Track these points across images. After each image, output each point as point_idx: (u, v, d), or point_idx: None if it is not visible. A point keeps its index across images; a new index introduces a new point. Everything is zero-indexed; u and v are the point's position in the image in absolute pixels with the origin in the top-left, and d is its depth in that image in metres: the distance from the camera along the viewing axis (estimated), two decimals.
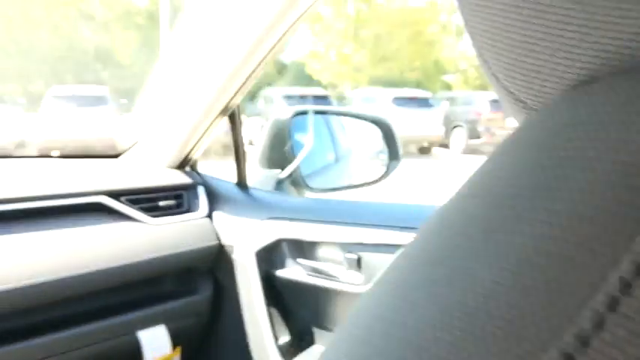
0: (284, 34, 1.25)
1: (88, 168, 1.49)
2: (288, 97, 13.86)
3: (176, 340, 1.39)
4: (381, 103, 13.40)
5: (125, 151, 1.69)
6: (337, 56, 22.11)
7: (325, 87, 20.23)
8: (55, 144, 9.84)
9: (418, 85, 20.05)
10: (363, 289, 1.21)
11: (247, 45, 1.26)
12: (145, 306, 1.34)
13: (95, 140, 9.62)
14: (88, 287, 1.21)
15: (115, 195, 1.35)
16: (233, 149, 1.52)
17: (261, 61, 1.31)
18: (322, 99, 14.66)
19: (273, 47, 1.28)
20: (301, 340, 1.38)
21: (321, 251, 1.32)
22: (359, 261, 1.22)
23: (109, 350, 1.27)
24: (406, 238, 1.22)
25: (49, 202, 1.25)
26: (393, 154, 1.65)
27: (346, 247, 1.25)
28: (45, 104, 11.45)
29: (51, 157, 1.67)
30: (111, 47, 20.76)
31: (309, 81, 20.99)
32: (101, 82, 16.86)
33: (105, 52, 20.64)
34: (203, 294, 1.46)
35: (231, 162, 1.55)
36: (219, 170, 1.66)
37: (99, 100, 11.73)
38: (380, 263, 1.21)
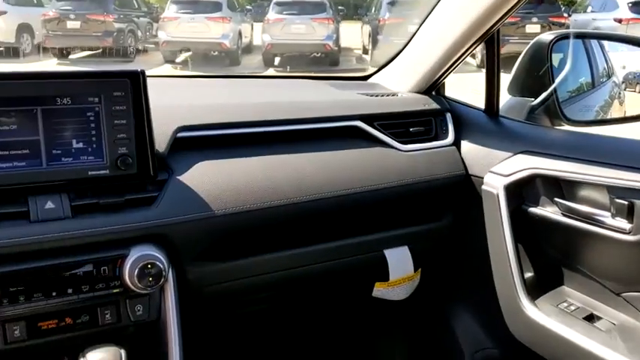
0: None
1: (341, 91, 1.55)
2: None
3: (417, 262, 1.45)
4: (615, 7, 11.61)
5: (372, 73, 1.72)
6: None
7: None
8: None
9: None
10: (632, 238, 1.11)
11: None
12: (391, 227, 1.41)
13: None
14: (342, 206, 1.30)
15: (369, 120, 1.39)
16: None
17: None
18: (551, 4, 13.23)
19: None
20: (548, 279, 1.33)
21: (582, 192, 1.22)
22: (631, 208, 1.10)
23: (359, 264, 1.37)
24: None
25: (310, 126, 1.34)
26: None
27: (615, 190, 1.14)
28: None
29: (303, 77, 1.78)
30: None
31: None
32: None
33: None
34: (446, 221, 1.48)
35: None
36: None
37: (319, 7, 12.04)
38: None
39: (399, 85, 1.60)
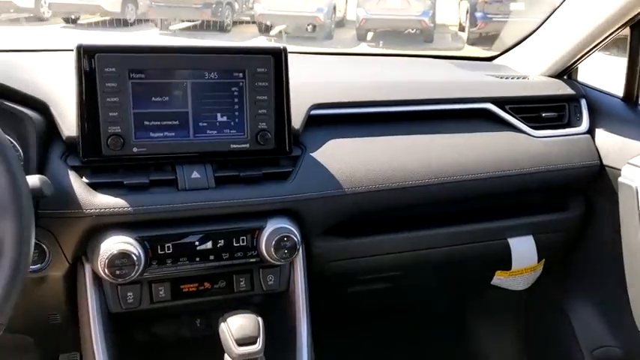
0: None
1: (468, 72, 1.51)
2: None
3: (541, 253, 1.40)
4: None
5: (497, 55, 1.67)
6: None
7: None
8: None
9: None
10: None
11: None
12: (516, 215, 1.37)
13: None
14: (470, 191, 1.27)
15: (500, 103, 1.35)
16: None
17: None
18: None
19: None
20: None
21: None
22: None
23: (480, 251, 1.35)
24: None
25: (440, 107, 1.31)
26: None
27: None
28: None
29: (425, 56, 1.74)
30: None
31: None
32: None
33: None
34: (574, 212, 1.42)
35: None
36: None
37: None
38: None
39: (529, 67, 1.54)
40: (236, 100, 1.09)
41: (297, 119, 1.16)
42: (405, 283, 1.43)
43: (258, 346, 0.97)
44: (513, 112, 1.36)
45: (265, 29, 10.62)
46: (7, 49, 1.38)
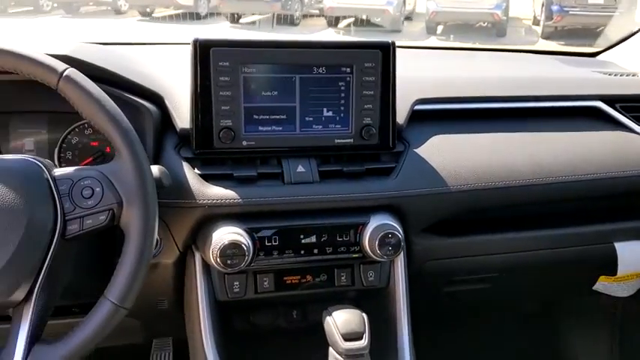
0: None
1: (574, 68, 1.45)
2: None
3: None
4: None
5: (601, 50, 1.59)
6: None
7: None
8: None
9: None
10: None
11: None
12: (625, 219, 1.31)
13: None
14: (577, 192, 1.22)
15: (610, 101, 1.29)
16: None
17: None
18: None
19: None
20: None
21: None
22: None
23: (586, 254, 1.30)
24: None
25: (547, 104, 1.27)
26: None
27: None
28: None
29: (525, 51, 1.69)
30: None
31: None
32: None
33: None
34: None
35: None
36: None
37: None
38: None
39: (635, 63, 1.46)
40: (342, 94, 1.09)
41: (400, 114, 1.14)
42: (501, 284, 1.39)
43: (364, 342, 0.97)
44: (625, 111, 1.29)
45: (334, 22, 10.63)
46: (121, 42, 1.44)
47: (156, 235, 0.86)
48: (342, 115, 1.09)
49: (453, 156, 1.15)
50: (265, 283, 1.09)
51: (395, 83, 1.09)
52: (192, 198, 1.01)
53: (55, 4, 11.67)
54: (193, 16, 10.63)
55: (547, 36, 10.32)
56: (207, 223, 1.04)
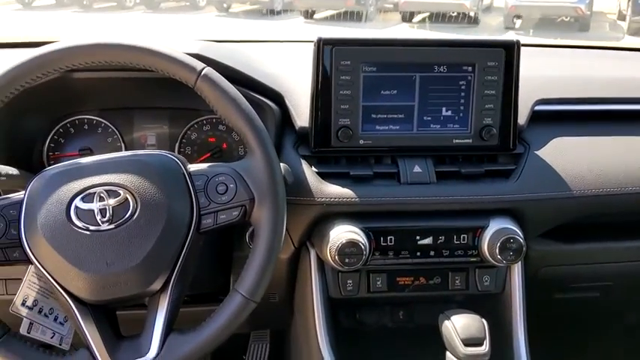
0: None
1: None
2: None
3: None
4: None
5: None
6: None
7: None
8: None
9: None
10: None
11: None
12: None
13: None
14: None
15: None
16: None
17: None
18: None
19: None
20: None
21: None
22: None
23: None
24: None
25: None
26: None
27: None
28: None
29: (611, 48, 1.60)
30: None
31: None
32: None
33: None
34: None
35: None
36: None
37: None
38: None
39: None
40: (462, 94, 1.06)
41: (520, 115, 1.11)
42: (611, 293, 1.33)
43: (485, 348, 0.94)
44: None
45: (408, 17, 10.49)
46: (240, 40, 1.47)
47: (284, 231, 0.87)
48: (461, 114, 1.07)
49: (575, 159, 1.10)
50: (378, 283, 1.09)
51: (518, 83, 1.06)
52: (311, 196, 1.02)
53: (137, 0, 12.14)
54: (268, 12, 10.79)
55: (633, 32, 9.79)
56: (324, 221, 1.04)
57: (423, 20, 10.45)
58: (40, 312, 1.00)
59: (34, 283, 1.00)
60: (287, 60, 1.22)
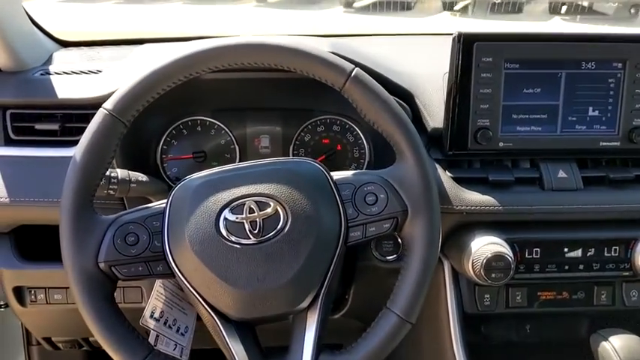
0: None
1: None
2: None
3: None
4: None
5: None
6: None
7: None
8: None
9: None
10: None
11: None
12: None
13: None
14: None
15: None
16: None
17: None
18: None
19: None
20: None
21: None
22: None
23: None
24: None
25: None
26: None
27: None
28: None
29: None
30: None
31: None
32: None
33: None
34: None
35: None
36: None
37: None
38: None
39: None
40: (611, 92, 0.98)
41: None
42: None
43: None
44: None
45: (448, 6, 10.28)
46: (351, 34, 1.39)
47: (439, 245, 0.81)
48: (608, 115, 0.98)
49: None
50: (518, 298, 1.01)
51: None
52: (449, 203, 0.95)
53: None
54: (306, 0, 10.68)
55: None
56: (462, 231, 0.97)
57: (465, 8, 10.21)
58: (165, 323, 0.96)
59: (161, 294, 0.95)
60: (412, 56, 1.15)
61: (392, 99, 0.80)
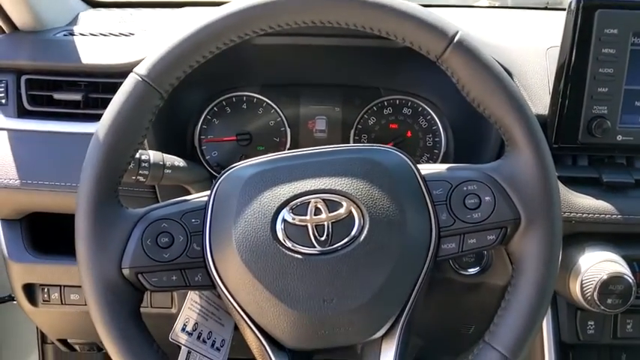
0: None
1: None
2: None
3: None
4: None
5: None
6: None
7: None
8: None
9: None
10: None
11: None
12: None
13: None
14: None
15: None
16: None
17: None
18: None
19: None
20: None
21: None
22: None
23: None
24: None
25: None
26: None
27: None
28: None
29: None
30: None
31: None
32: None
33: None
34: None
35: None
36: None
37: None
38: None
39: None
40: None
41: None
42: None
43: None
44: None
45: None
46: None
47: (558, 266, 0.62)
48: None
49: None
50: (628, 327, 0.83)
51: None
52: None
53: None
54: None
55: None
56: (567, 243, 0.78)
57: None
58: (198, 337, 0.80)
59: (196, 302, 0.79)
60: (508, 29, 0.96)
61: (507, 76, 0.61)
